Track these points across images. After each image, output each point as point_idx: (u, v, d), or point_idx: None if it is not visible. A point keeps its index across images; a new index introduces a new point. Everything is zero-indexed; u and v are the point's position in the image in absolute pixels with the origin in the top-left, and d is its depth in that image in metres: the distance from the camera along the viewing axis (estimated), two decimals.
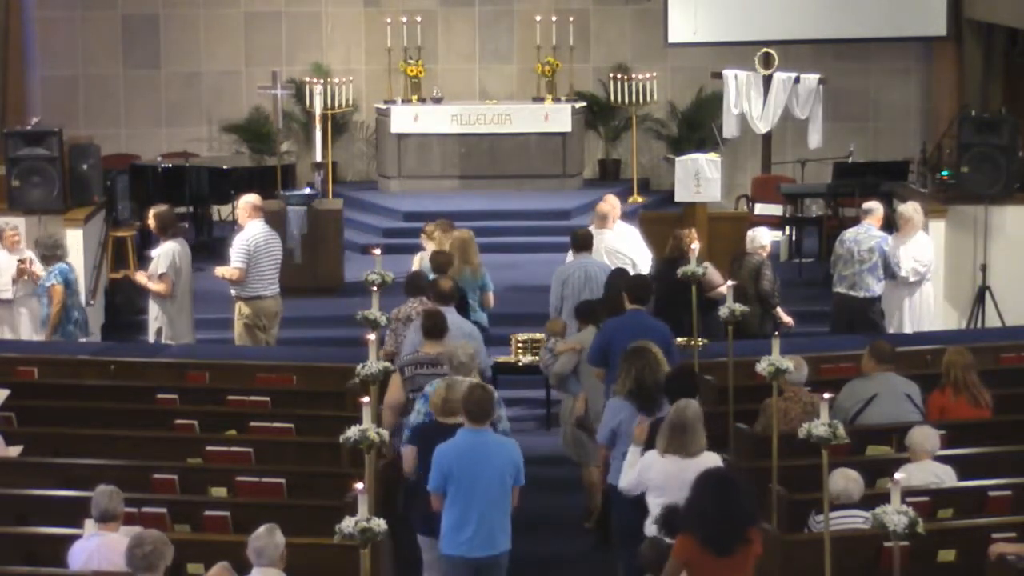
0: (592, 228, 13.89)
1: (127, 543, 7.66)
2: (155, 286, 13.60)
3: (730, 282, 10.90)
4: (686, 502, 7.73)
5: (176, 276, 13.63)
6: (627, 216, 14.85)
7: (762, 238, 13.88)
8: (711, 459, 8.74)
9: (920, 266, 14.01)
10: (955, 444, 10.03)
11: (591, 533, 11.37)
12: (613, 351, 10.44)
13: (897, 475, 7.57)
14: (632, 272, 12.85)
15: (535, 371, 13.81)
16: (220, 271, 13.94)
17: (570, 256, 13.51)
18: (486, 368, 10.80)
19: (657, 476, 8.73)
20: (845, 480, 8.70)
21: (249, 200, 13.94)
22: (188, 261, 13.88)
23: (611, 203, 14.15)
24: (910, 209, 14.21)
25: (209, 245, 18.70)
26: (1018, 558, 8.30)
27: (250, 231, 13.78)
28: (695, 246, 12.51)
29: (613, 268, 12.71)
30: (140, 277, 13.83)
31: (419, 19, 20.93)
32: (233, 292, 13.82)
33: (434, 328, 10.54)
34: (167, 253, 13.61)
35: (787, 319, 13.84)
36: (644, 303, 11.15)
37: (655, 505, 8.69)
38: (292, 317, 15.75)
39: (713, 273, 13.19)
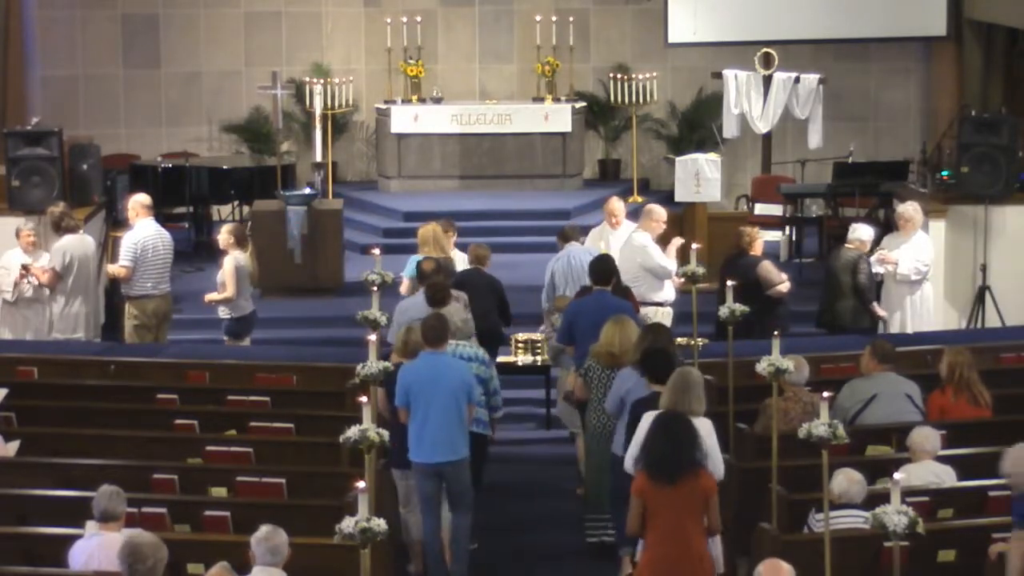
0: (600, 226, 14.55)
1: (123, 552, 7.59)
2: (42, 278, 13.74)
3: (730, 282, 10.90)
4: (641, 444, 8.55)
5: (66, 271, 13.77)
6: (628, 216, 14.84)
7: (862, 233, 13.91)
8: (706, 424, 8.99)
9: (922, 265, 14.01)
10: (955, 444, 10.03)
11: (582, 500, 11.65)
12: (578, 329, 11.33)
13: (897, 475, 7.58)
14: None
15: (535, 371, 13.86)
16: (109, 268, 14.18)
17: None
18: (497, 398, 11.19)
19: None
20: (849, 481, 8.70)
21: (138, 199, 14.01)
22: (87, 255, 14.01)
23: (619, 205, 14.54)
24: (910, 209, 14.22)
25: (209, 245, 18.71)
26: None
27: (139, 231, 13.84)
28: (758, 243, 13.38)
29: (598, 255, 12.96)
30: (33, 268, 13.87)
31: (419, 19, 20.93)
32: (123, 291, 14.01)
33: (435, 298, 11.19)
34: (60, 248, 13.81)
35: (882, 313, 13.95)
36: (605, 284, 11.72)
37: None
38: (292, 317, 15.79)
39: (771, 271, 13.32)
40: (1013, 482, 7.99)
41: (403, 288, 13.10)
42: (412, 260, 13.32)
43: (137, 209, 13.89)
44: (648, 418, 9.14)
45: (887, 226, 14.63)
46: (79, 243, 13.99)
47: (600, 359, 10.61)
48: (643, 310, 12.74)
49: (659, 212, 13.94)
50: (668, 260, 13.47)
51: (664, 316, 13.21)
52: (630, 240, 13.66)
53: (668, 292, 13.47)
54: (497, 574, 10.88)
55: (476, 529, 10.69)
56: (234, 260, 13.52)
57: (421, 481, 10.10)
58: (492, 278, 13.20)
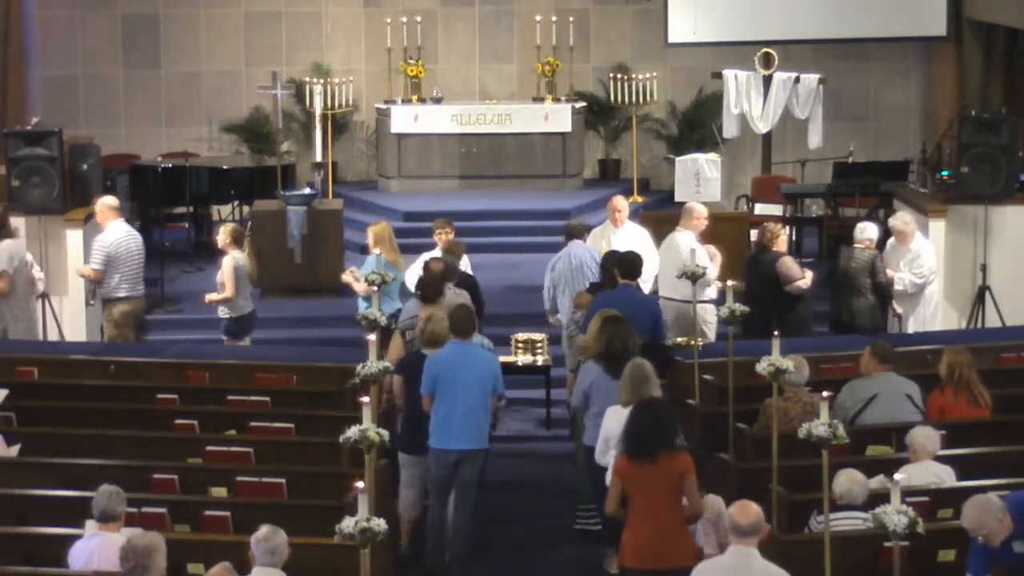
0: (602, 226, 14.50)
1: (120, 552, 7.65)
2: None
3: (731, 282, 10.90)
4: (623, 429, 8.80)
5: (16, 273, 13.79)
6: (629, 215, 14.86)
7: (872, 232, 13.90)
8: None
9: (916, 278, 13.94)
10: (955, 444, 10.02)
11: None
12: None
13: (897, 475, 7.58)
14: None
15: (535, 371, 13.86)
16: (80, 270, 14.14)
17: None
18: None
19: (616, 425, 9.23)
20: (851, 482, 8.70)
21: (105, 202, 14.05)
22: (24, 260, 14.00)
23: (623, 203, 14.51)
24: (899, 223, 14.15)
25: (209, 245, 18.72)
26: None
27: (110, 233, 13.88)
28: (781, 240, 13.45)
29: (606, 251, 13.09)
30: None
31: (419, 19, 20.93)
32: (96, 293, 14.04)
33: (428, 293, 11.44)
34: (5, 251, 13.73)
35: (900, 310, 14.05)
36: (633, 278, 11.98)
37: (613, 457, 9.25)
38: (292, 317, 15.79)
39: (791, 267, 13.32)
40: (975, 534, 7.97)
41: (361, 288, 13.19)
42: (370, 260, 13.42)
43: (105, 212, 13.95)
44: (612, 413, 9.48)
45: (887, 226, 14.63)
46: (19, 247, 13.98)
47: (586, 354, 10.75)
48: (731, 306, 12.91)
49: (699, 210, 14.00)
50: (711, 267, 13.53)
51: (710, 313, 13.28)
52: (673, 241, 13.67)
53: (713, 290, 13.58)
54: (495, 562, 11.00)
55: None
56: (233, 260, 13.54)
57: (437, 468, 10.32)
58: (467, 274, 13.36)
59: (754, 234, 16.66)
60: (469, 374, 10.27)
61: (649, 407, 8.83)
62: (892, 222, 14.34)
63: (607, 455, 9.46)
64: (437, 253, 13.43)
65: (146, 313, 14.60)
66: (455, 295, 12.22)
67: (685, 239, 13.55)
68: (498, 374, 10.51)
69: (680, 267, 12.99)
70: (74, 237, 15.21)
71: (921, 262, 14.00)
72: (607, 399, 9.90)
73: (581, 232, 13.89)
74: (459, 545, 10.42)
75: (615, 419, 9.37)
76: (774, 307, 13.15)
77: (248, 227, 17.30)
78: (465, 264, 13.64)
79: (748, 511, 7.68)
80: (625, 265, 12.02)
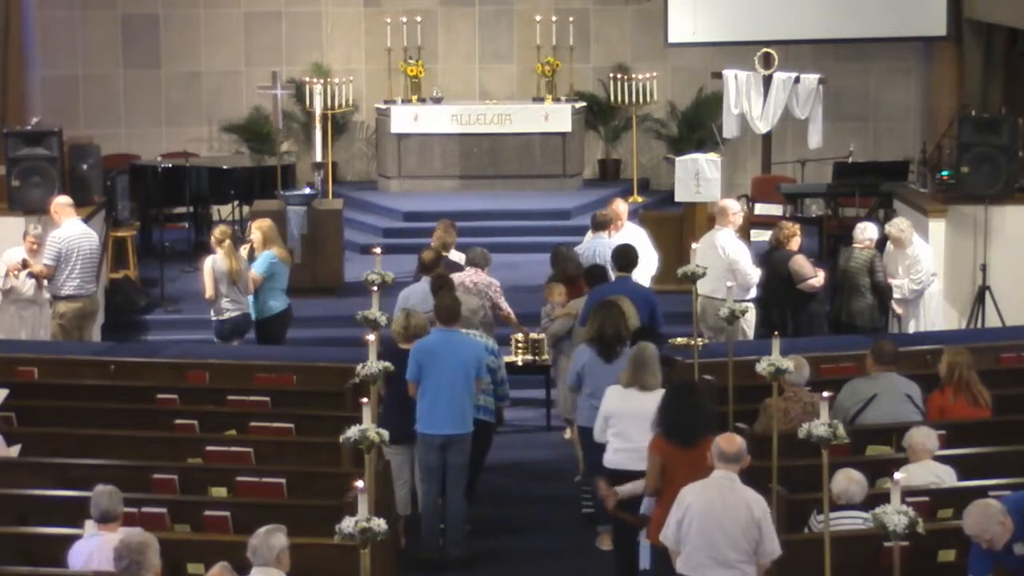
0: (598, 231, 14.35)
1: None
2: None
3: (730, 283, 10.92)
4: (658, 408, 9.13)
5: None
6: (628, 216, 14.86)
7: (872, 232, 13.92)
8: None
9: (915, 284, 13.94)
10: (955, 444, 10.03)
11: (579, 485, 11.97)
12: None
13: (897, 475, 7.58)
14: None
15: (535, 371, 13.86)
16: (32, 269, 14.11)
17: (588, 236, 14.22)
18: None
19: (615, 405, 9.82)
20: (848, 481, 8.71)
21: (60, 201, 14.12)
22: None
23: (623, 208, 14.57)
24: (895, 229, 14.14)
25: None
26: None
27: (65, 231, 13.93)
28: (796, 239, 13.51)
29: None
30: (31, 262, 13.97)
31: (419, 19, 20.94)
32: (47, 292, 14.02)
33: (441, 288, 11.74)
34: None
35: (900, 311, 14.07)
36: (629, 270, 12.16)
37: (611, 436, 9.73)
38: (292, 317, 15.78)
39: (804, 265, 13.33)
40: (978, 539, 7.97)
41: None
42: (264, 257, 13.69)
43: (59, 210, 14.03)
44: (612, 391, 9.85)
45: (887, 224, 14.66)
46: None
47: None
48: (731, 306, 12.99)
49: (733, 205, 14.12)
50: (755, 271, 13.68)
51: (751, 312, 13.30)
52: (714, 239, 13.67)
53: (753, 290, 13.74)
54: (494, 549, 11.08)
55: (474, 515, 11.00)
56: (210, 262, 13.63)
57: (426, 452, 10.55)
58: (456, 264, 13.41)
59: (754, 234, 16.77)
60: (454, 359, 10.51)
61: (686, 393, 9.11)
62: (888, 228, 14.33)
63: (606, 433, 9.81)
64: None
65: (97, 312, 14.56)
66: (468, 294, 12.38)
67: (723, 237, 13.62)
68: (482, 359, 10.74)
69: (721, 267, 13.03)
70: None
71: (919, 267, 13.98)
72: (598, 381, 10.26)
73: (606, 226, 13.89)
74: (453, 528, 10.60)
75: (615, 398, 9.79)
76: (787, 305, 13.35)
77: (249, 228, 17.31)
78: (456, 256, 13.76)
79: (734, 441, 8.32)
80: (621, 258, 12.18)
